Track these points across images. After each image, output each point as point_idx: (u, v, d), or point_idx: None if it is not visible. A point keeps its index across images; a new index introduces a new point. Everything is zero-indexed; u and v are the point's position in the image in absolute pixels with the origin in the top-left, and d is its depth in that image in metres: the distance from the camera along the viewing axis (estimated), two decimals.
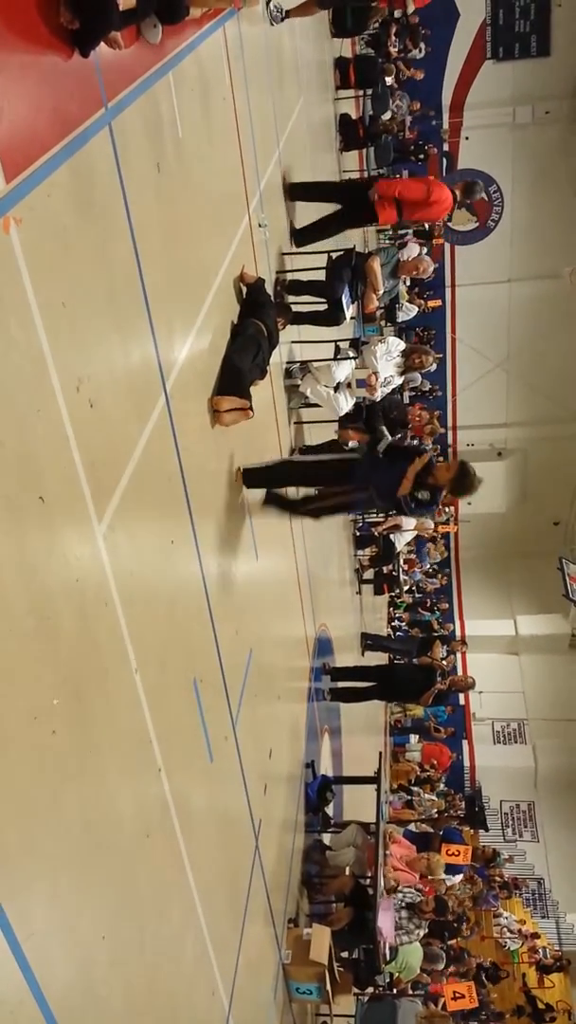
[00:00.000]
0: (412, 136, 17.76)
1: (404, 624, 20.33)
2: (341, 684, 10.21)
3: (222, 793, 4.98)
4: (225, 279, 5.32)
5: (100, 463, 3.20)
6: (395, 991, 8.84)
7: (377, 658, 13.38)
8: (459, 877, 12.20)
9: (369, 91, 14.01)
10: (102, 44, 3.26)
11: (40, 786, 2.65)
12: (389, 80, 15.35)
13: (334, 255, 7.73)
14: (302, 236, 7.87)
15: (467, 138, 22.86)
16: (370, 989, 7.85)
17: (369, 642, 13.50)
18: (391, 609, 20.68)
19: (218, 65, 5.41)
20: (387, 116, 14.64)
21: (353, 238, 13.31)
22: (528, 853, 21.04)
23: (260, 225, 6.42)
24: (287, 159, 7.90)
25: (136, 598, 3.51)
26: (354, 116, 13.98)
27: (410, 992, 9.71)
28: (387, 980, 8.44)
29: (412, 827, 11.85)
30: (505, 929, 17.68)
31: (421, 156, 18.03)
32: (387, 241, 16.00)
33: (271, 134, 7.33)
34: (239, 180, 5.94)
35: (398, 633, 19.24)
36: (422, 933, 8.51)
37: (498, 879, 18.09)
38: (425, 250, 15.25)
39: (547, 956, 17.83)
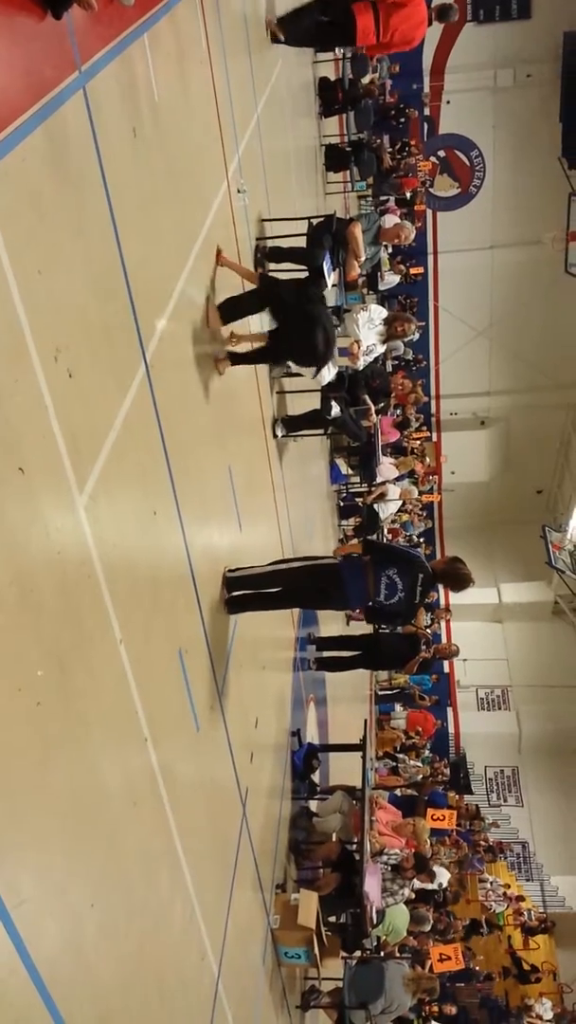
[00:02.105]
0: (392, 100, 17.57)
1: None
2: (326, 653, 10.25)
3: (209, 762, 5.01)
4: (204, 246, 5.27)
5: (80, 433, 3.17)
6: (382, 954, 8.97)
7: (362, 627, 13.43)
8: (446, 877, 12.50)
9: (348, 53, 13.81)
10: (75, 5, 3.18)
11: (26, 757, 2.65)
12: None
13: (314, 221, 7.64)
14: (287, 29, 8.17)
15: (448, 102, 22.65)
16: (358, 952, 7.96)
17: None
18: None
19: (194, 27, 5.31)
20: (367, 79, 14.45)
21: (334, 205, 13.21)
22: (512, 817, 21.36)
23: (239, 191, 6.34)
24: (265, 123, 7.80)
25: (119, 569, 3.50)
26: (333, 79, 13.80)
27: (397, 954, 9.87)
28: (374, 943, 8.56)
29: (397, 792, 11.99)
30: (490, 892, 17.98)
31: (402, 120, 17.86)
32: (368, 207, 15.86)
33: (249, 98, 7.22)
34: (217, 145, 5.86)
35: None
36: (407, 893, 8.61)
37: (483, 843, 18.36)
38: (408, 221, 15.12)
39: (532, 918, 18.17)
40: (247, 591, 5.55)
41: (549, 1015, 16.09)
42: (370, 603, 5.52)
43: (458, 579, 5.51)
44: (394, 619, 5.96)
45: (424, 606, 15.03)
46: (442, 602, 22.65)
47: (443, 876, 12.61)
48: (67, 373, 3.07)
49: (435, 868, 11.84)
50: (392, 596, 5.31)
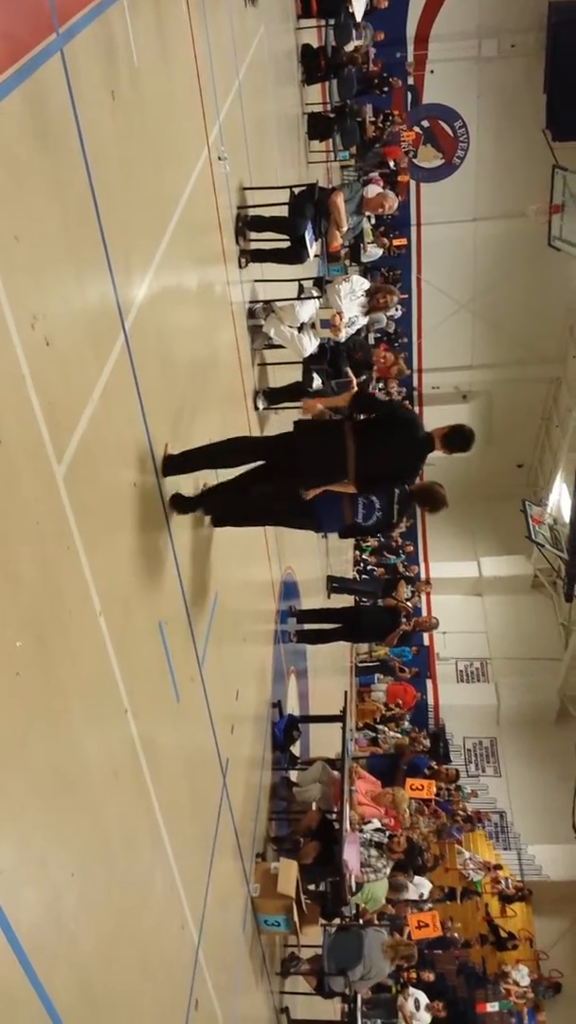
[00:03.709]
0: (376, 69, 17.36)
1: (370, 565, 20.48)
2: (307, 626, 10.29)
3: (189, 733, 5.03)
4: (184, 213, 5.20)
5: (58, 403, 3.14)
6: (361, 921, 9.09)
7: (343, 600, 13.50)
8: (427, 887, 12.75)
9: (331, 21, 13.61)
10: None
11: (5, 728, 2.64)
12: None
13: (297, 190, 7.57)
14: None
15: (432, 71, 22.38)
16: (337, 920, 8.06)
17: (335, 584, 13.60)
18: (357, 553, 20.81)
19: None
20: (351, 47, 14.25)
21: (316, 174, 13.08)
22: (490, 787, 21.60)
23: (220, 158, 6.26)
24: (247, 90, 7.69)
25: (98, 541, 3.48)
26: (316, 46, 13.62)
27: (376, 922, 10.00)
28: (353, 911, 8.67)
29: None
30: (468, 861, 18.22)
31: (385, 89, 17.65)
32: (351, 176, 15.73)
33: (230, 64, 7.12)
34: (198, 111, 5.78)
35: (363, 576, 19.42)
36: (389, 871, 8.70)
37: (461, 813, 18.58)
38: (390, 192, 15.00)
39: (509, 886, 18.43)
40: (222, 489, 5.18)
41: (526, 981, 16.40)
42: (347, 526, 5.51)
43: (433, 499, 5.40)
44: (371, 534, 6.02)
45: (405, 579, 15.17)
46: (423, 575, 22.82)
47: (424, 887, 12.90)
48: (44, 341, 3.03)
49: (417, 878, 12.12)
50: (370, 517, 5.34)
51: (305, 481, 4.86)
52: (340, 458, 4.72)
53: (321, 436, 4.91)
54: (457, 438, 5.08)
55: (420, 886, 12.88)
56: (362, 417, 4.98)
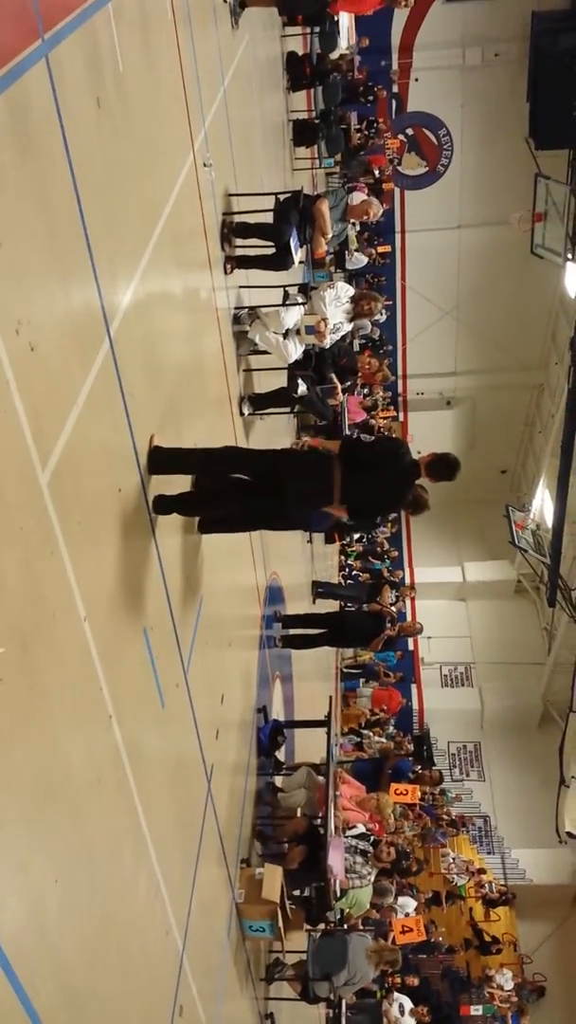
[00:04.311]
0: (361, 77, 17.43)
1: (355, 571, 20.51)
2: (292, 631, 10.30)
3: (174, 738, 5.02)
4: (169, 221, 5.21)
5: (43, 409, 3.14)
6: (346, 926, 9.08)
7: (328, 605, 13.51)
8: (412, 906, 12.77)
9: (316, 28, 13.66)
10: None
11: None
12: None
13: (282, 197, 7.60)
14: None
15: (416, 80, 22.51)
16: (321, 925, 8.04)
17: (320, 590, 13.61)
18: (342, 558, 20.85)
19: None
20: (335, 55, 14.31)
21: (301, 181, 13.13)
22: (475, 792, 21.65)
23: (205, 165, 6.28)
24: (233, 97, 7.72)
25: (83, 547, 3.48)
26: (301, 53, 13.66)
27: (360, 927, 9.99)
28: (338, 916, 8.66)
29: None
30: (452, 864, 18.25)
31: (370, 98, 17.73)
32: (336, 183, 15.80)
33: (216, 71, 7.14)
34: (183, 118, 5.79)
35: (348, 581, 19.45)
36: (373, 878, 8.70)
37: (445, 817, 18.61)
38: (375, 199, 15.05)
39: (493, 890, 18.47)
40: (208, 497, 5.22)
41: (509, 985, 16.43)
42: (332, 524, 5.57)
43: (415, 501, 5.56)
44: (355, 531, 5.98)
45: (390, 584, 15.21)
46: (408, 580, 22.87)
47: (409, 906, 12.92)
48: (29, 347, 3.03)
49: (401, 899, 12.14)
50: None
51: (291, 510, 4.98)
52: (327, 490, 4.87)
53: (308, 468, 5.05)
54: (441, 466, 5.22)
55: (405, 906, 12.92)
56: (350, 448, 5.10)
